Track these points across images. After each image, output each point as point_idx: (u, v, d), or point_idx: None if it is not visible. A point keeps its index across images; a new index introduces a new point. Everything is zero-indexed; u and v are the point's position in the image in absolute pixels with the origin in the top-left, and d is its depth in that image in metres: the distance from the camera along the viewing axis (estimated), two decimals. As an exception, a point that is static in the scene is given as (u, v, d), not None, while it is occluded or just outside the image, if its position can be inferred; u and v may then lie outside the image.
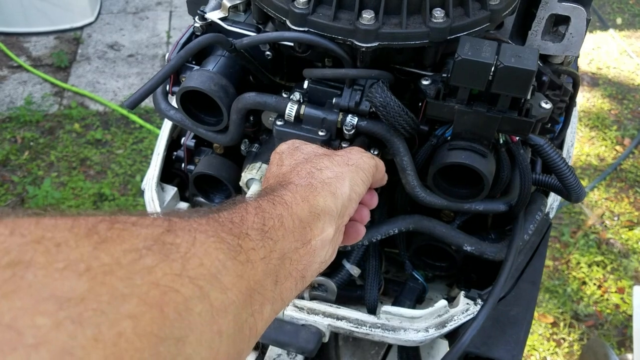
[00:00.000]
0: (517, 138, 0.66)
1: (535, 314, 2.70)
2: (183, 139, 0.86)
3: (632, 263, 2.93)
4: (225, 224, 0.44)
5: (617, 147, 3.55)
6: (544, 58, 0.76)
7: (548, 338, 2.62)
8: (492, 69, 0.57)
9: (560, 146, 0.86)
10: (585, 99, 3.88)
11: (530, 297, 0.74)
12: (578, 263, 2.90)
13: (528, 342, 2.59)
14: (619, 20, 4.75)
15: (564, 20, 0.73)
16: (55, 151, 3.22)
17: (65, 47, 3.99)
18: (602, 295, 2.79)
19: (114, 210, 0.42)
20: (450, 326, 0.70)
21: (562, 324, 2.66)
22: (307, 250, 0.51)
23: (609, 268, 2.89)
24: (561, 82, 0.77)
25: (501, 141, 0.65)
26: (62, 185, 3.04)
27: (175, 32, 4.11)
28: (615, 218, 3.14)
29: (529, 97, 0.62)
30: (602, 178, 3.33)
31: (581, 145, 3.52)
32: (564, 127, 0.83)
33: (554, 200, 0.81)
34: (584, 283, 2.83)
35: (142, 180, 3.04)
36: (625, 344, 2.56)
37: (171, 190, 0.87)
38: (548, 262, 2.90)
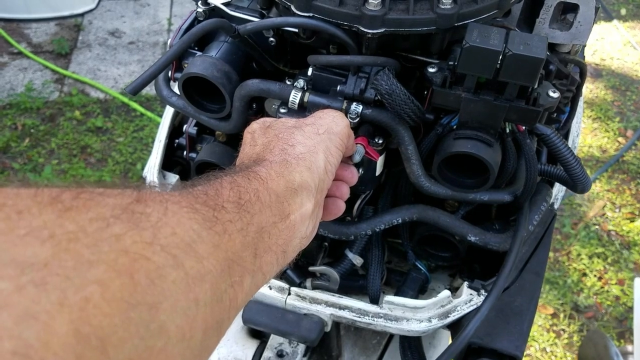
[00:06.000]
0: (524, 127, 0.65)
1: (535, 305, 2.70)
2: (185, 126, 0.85)
3: (633, 255, 2.93)
4: (200, 196, 0.44)
5: (620, 139, 3.54)
6: (552, 47, 0.75)
7: (548, 329, 2.62)
8: (501, 56, 0.56)
9: (566, 136, 0.85)
10: (589, 90, 3.86)
11: (534, 288, 0.74)
12: (579, 254, 2.90)
13: (528, 333, 2.60)
14: (623, 11, 4.72)
15: (573, 8, 0.72)
16: (56, 138, 3.21)
17: (66, 33, 3.97)
18: (602, 287, 2.79)
19: (81, 182, 0.41)
20: (453, 317, 0.70)
21: (562, 315, 2.66)
22: (286, 225, 0.51)
23: (609, 260, 2.89)
24: (568, 71, 0.76)
25: (508, 130, 0.64)
26: (62, 172, 3.04)
27: (176, 19, 4.08)
28: (617, 210, 3.14)
29: (536, 85, 0.61)
30: (604, 170, 3.32)
31: (583, 137, 3.50)
32: (569, 117, 0.82)
33: (558, 190, 0.80)
34: (585, 274, 2.83)
35: (143, 169, 3.03)
36: (624, 335, 2.57)
37: (173, 178, 0.86)
38: (549, 253, 2.89)
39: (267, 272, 0.49)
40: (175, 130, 0.91)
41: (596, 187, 3.23)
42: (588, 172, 2.98)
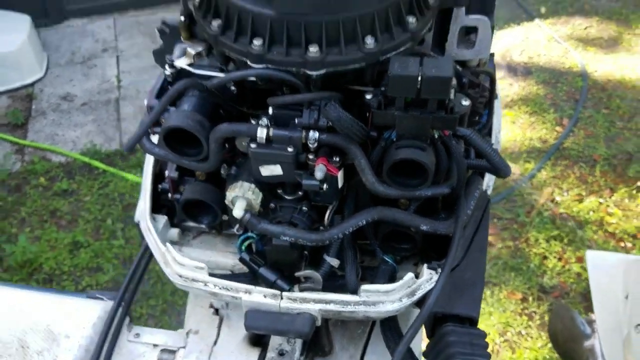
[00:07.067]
0: (448, 132, 0.80)
1: (505, 292, 2.88)
2: (167, 172, 0.97)
3: (587, 233, 3.15)
4: None
5: (557, 128, 3.80)
6: (463, 63, 0.91)
7: (520, 313, 2.80)
8: (419, 79, 0.71)
9: (489, 133, 1.01)
10: (521, 88, 4.14)
11: (480, 262, 0.88)
12: (537, 240, 3.10)
13: (502, 320, 2.76)
14: (542, 10, 5.07)
15: (473, 29, 0.89)
16: (25, 207, 3.25)
17: (19, 104, 4.02)
18: (563, 267, 2.99)
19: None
20: (418, 294, 0.83)
21: (530, 299, 2.84)
22: None
23: (565, 240, 3.10)
24: (479, 81, 0.92)
25: (436, 136, 0.79)
26: (37, 239, 3.08)
27: (124, 76, 4.18)
28: (565, 193, 3.37)
29: (451, 97, 0.76)
30: (547, 158, 3.56)
31: (523, 131, 3.75)
32: (489, 117, 0.99)
33: (489, 179, 0.96)
34: (545, 257, 3.03)
35: (113, 224, 3.09)
36: (591, 308, 2.76)
37: (162, 219, 0.98)
38: (509, 243, 3.09)
39: None
40: (156, 177, 1.03)
41: (542, 175, 3.47)
42: (532, 163, 3.21)
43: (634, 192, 3.30)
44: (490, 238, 3.12)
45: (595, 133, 3.74)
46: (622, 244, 3.05)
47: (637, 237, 3.08)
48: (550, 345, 2.51)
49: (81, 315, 1.02)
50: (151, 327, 1.05)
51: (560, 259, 3.03)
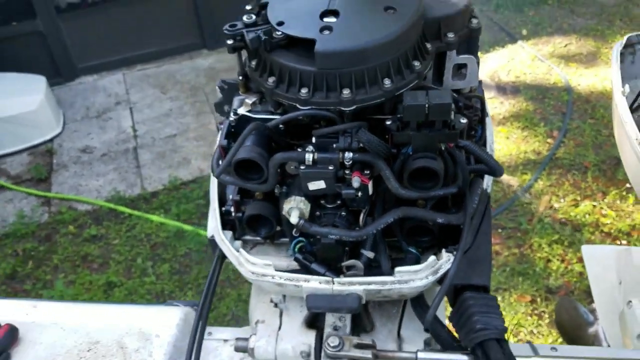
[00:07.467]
0: (452, 144, 1.04)
1: (514, 295, 3.09)
2: (230, 195, 1.21)
3: (585, 234, 3.37)
4: None
5: (549, 140, 4.06)
6: (457, 91, 1.16)
7: (530, 314, 2.99)
8: (427, 107, 0.96)
9: (484, 144, 1.26)
10: (511, 105, 4.42)
11: (486, 243, 1.11)
12: (540, 245, 3.32)
13: (514, 322, 2.96)
14: (524, 32, 5.40)
15: (464, 65, 1.14)
16: (57, 254, 3.47)
17: (40, 160, 4.28)
18: (566, 268, 3.20)
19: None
20: (440, 272, 1.06)
21: (539, 300, 3.04)
22: None
23: (566, 243, 3.32)
24: (472, 103, 1.17)
25: (443, 148, 1.04)
26: (71, 283, 3.29)
27: (139, 126, 4.46)
28: (562, 200, 3.60)
29: (452, 117, 1.01)
30: (542, 169, 3.81)
31: (517, 145, 4.01)
32: (483, 131, 1.23)
33: (488, 180, 1.20)
34: (549, 260, 3.24)
35: (143, 262, 3.31)
36: (592, 299, 2.96)
37: (228, 234, 1.21)
38: (514, 250, 3.30)
39: None
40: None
41: (539, 185, 3.71)
42: (529, 174, 3.45)
43: (624, 193, 3.53)
44: (496, 247, 3.35)
45: (584, 142, 4.00)
46: (618, 242, 3.26)
47: (631, 234, 3.30)
48: (560, 339, 2.71)
49: (166, 319, 1.25)
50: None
51: (562, 261, 3.24)
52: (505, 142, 4.04)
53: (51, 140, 4.43)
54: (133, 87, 4.88)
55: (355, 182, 1.02)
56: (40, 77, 4.56)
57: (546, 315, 2.97)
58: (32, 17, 4.81)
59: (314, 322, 1.17)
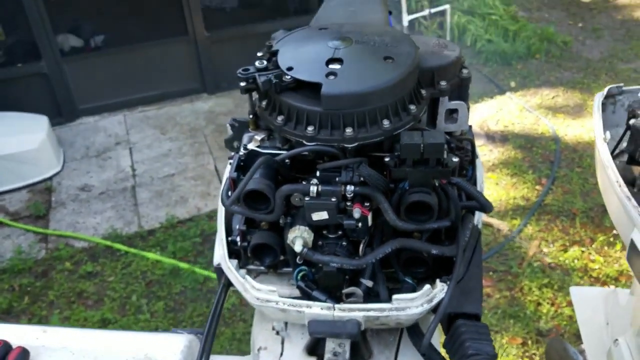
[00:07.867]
0: (445, 180, 1.13)
1: (506, 337, 3.12)
2: (236, 226, 1.28)
3: (574, 279, 3.44)
4: None
5: (537, 187, 4.18)
6: (450, 133, 1.26)
7: (521, 357, 3.03)
8: (422, 146, 1.05)
9: (475, 183, 1.35)
10: (500, 153, 4.56)
11: (478, 274, 1.19)
12: (530, 288, 3.38)
13: (506, 364, 2.99)
14: (512, 84, 5.60)
15: (455, 110, 1.25)
16: (53, 290, 3.49)
17: (39, 197, 4.33)
18: (556, 311, 3.25)
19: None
20: (435, 300, 1.13)
21: (529, 342, 3.08)
22: None
23: (555, 287, 3.38)
24: (463, 145, 1.27)
25: (437, 184, 1.13)
26: (66, 319, 3.30)
27: (138, 165, 4.54)
28: (551, 245, 3.68)
29: (445, 156, 1.10)
30: (531, 214, 3.90)
31: (507, 191, 4.12)
32: (473, 171, 1.33)
33: (478, 216, 1.28)
34: (539, 304, 3.29)
35: (138, 299, 3.32)
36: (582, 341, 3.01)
37: (234, 262, 1.28)
38: (505, 293, 3.36)
39: None
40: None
41: (529, 230, 3.79)
42: (518, 219, 3.55)
43: (612, 239, 3.62)
44: (488, 289, 3.40)
45: (571, 189, 4.12)
46: (606, 287, 3.33)
47: (619, 279, 3.37)
48: (551, 382, 2.74)
49: (170, 345, 1.30)
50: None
51: (552, 304, 3.30)
52: (495, 188, 4.16)
53: (51, 178, 4.50)
54: (133, 127, 4.99)
55: (356, 213, 1.11)
56: (42, 117, 4.67)
57: (537, 358, 3.00)
58: (37, 60, 4.96)
59: (315, 349, 1.23)
